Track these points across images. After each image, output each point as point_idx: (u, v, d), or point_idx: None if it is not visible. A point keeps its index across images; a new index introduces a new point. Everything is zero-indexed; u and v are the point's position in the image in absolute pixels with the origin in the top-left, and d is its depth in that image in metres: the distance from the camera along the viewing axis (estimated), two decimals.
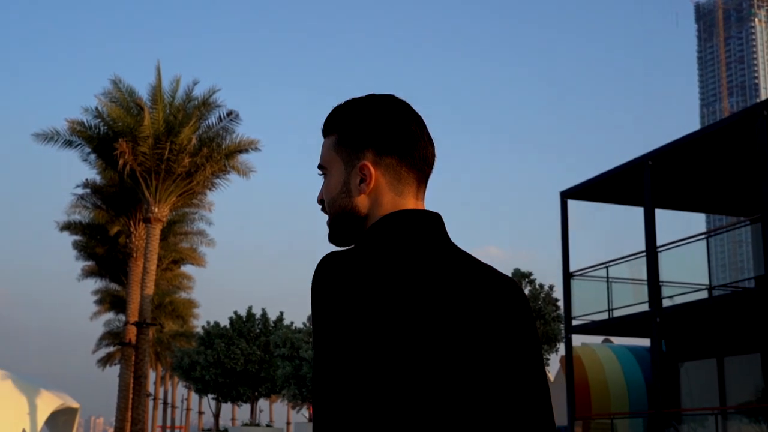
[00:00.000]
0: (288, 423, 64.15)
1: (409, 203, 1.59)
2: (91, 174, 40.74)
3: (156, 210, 31.27)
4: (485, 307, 1.50)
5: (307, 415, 43.28)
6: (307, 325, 23.92)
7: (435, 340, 1.43)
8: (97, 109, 32.26)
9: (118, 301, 45.16)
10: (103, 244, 39.02)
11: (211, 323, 25.27)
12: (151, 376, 56.32)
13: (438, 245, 1.53)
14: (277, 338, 39.79)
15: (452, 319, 1.46)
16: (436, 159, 1.66)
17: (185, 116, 31.63)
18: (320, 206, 1.68)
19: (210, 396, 27.31)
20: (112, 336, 52.09)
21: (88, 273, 42.77)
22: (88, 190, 36.52)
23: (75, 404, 38.92)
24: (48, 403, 35.54)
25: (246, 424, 26.76)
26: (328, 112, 1.66)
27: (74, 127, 32.44)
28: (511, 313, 1.53)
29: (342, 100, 1.68)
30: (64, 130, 32.65)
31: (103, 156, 32.60)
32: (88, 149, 33.07)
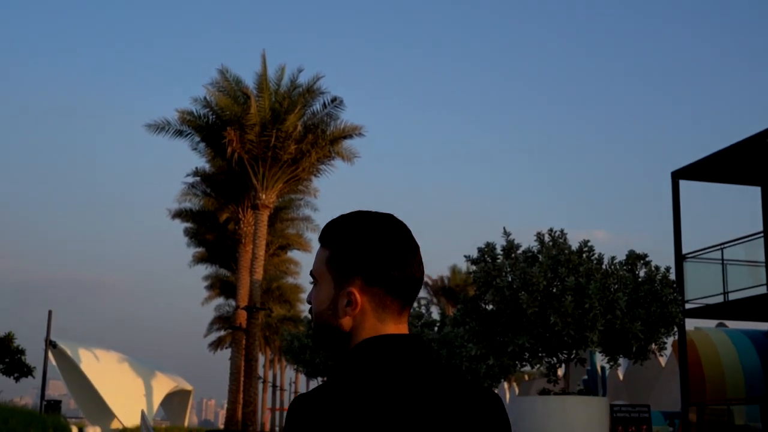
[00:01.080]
0: None
1: (389, 328, 1.69)
2: (201, 162, 41.72)
3: (263, 197, 31.81)
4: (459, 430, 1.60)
5: None
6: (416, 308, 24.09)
7: None
8: (205, 98, 33.01)
9: (228, 286, 46.21)
10: (212, 231, 39.93)
11: None
12: (260, 359, 57.52)
13: (413, 370, 1.62)
14: None
15: None
16: (423, 278, 1.77)
17: (290, 103, 32.03)
18: (309, 306, 1.79)
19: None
20: (223, 320, 53.31)
21: (198, 259, 43.80)
22: (197, 179, 37.48)
23: (189, 386, 40.17)
24: (163, 385, 36.79)
25: None
26: (328, 222, 1.76)
27: (184, 116, 33.29)
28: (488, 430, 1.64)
29: (339, 214, 1.78)
30: (175, 120, 33.56)
31: (212, 144, 33.35)
32: (197, 138, 33.90)
